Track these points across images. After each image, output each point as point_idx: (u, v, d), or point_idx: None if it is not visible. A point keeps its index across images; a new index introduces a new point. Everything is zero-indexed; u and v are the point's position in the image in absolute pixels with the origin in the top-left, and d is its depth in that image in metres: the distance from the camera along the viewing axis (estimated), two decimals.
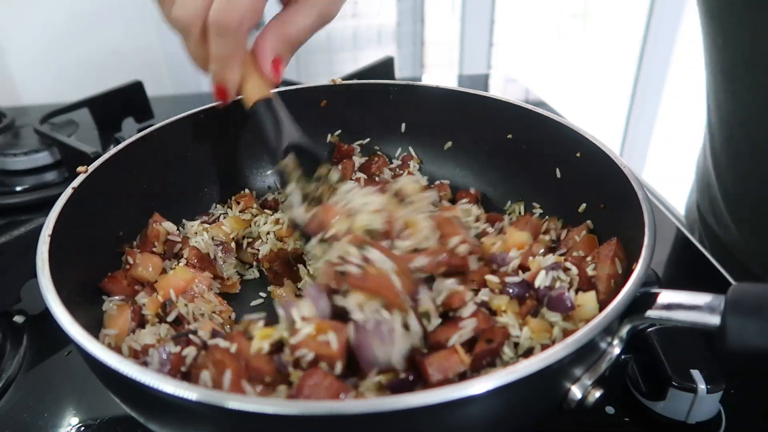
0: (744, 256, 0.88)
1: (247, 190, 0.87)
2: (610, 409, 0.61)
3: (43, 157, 1.11)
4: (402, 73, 2.18)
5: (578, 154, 0.71)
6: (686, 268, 0.88)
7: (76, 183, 0.64)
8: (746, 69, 0.74)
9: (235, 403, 0.38)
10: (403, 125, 0.91)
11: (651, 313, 0.46)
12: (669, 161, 2.53)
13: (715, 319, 0.42)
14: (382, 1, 2.29)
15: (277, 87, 0.63)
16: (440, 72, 2.44)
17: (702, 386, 0.56)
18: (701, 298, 0.44)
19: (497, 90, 1.65)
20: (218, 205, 0.85)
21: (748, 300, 0.42)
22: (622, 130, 2.55)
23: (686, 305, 0.45)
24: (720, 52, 0.78)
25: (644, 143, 2.54)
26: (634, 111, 2.47)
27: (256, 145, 0.88)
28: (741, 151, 0.80)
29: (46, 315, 0.75)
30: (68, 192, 0.63)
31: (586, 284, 0.60)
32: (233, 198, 0.85)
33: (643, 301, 0.47)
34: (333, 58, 2.36)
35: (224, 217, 0.80)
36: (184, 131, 0.80)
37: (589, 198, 0.72)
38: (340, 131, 0.92)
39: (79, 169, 0.66)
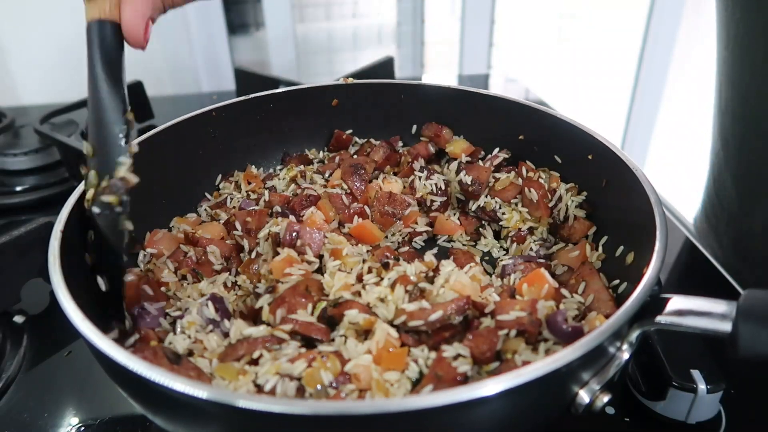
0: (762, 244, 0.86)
1: (254, 169, 0.88)
2: (610, 409, 0.61)
3: (43, 157, 1.11)
4: (402, 73, 2.18)
5: (590, 156, 0.72)
6: (689, 272, 0.88)
7: None
8: (765, 39, 0.73)
9: (244, 402, 0.38)
10: (414, 127, 0.91)
11: (661, 318, 0.45)
12: (669, 162, 2.53)
13: (726, 326, 0.42)
14: (382, 1, 2.29)
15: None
16: (440, 72, 2.44)
17: (702, 386, 0.56)
18: (712, 305, 0.44)
19: (497, 90, 1.65)
20: (225, 183, 0.86)
21: (760, 307, 0.41)
22: (622, 130, 2.55)
23: (697, 311, 0.44)
24: (738, 24, 0.77)
25: (644, 144, 2.54)
26: (634, 111, 2.47)
27: (264, 140, 0.90)
28: (759, 126, 0.79)
29: (46, 315, 0.76)
30: (80, 188, 0.62)
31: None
32: (243, 176, 0.86)
33: (652, 306, 0.46)
34: (333, 58, 2.36)
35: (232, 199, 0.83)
36: (193, 129, 0.81)
37: (599, 198, 0.72)
38: (350, 131, 0.92)
39: None
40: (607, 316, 0.56)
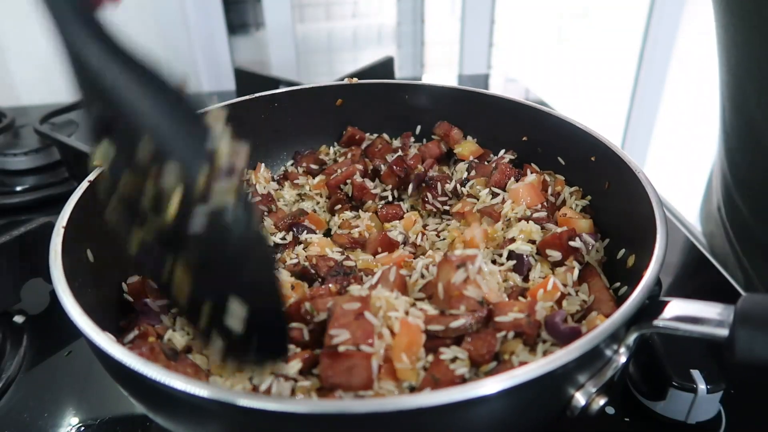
0: None
1: (263, 167, 0.88)
2: (610, 409, 0.61)
3: (43, 157, 1.11)
4: (402, 73, 2.18)
5: (593, 158, 0.71)
6: (690, 273, 0.87)
7: (92, 176, 0.64)
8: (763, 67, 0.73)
9: (244, 400, 0.38)
10: (419, 127, 0.91)
11: (658, 322, 0.45)
12: (669, 163, 2.53)
13: (723, 331, 0.42)
14: (382, 1, 2.29)
15: None
16: (440, 72, 2.44)
17: (702, 386, 0.56)
18: (710, 309, 0.44)
19: (497, 90, 1.65)
20: None
21: (758, 311, 0.41)
22: (622, 130, 2.55)
23: (695, 315, 0.44)
24: (739, 49, 0.76)
25: (644, 144, 2.53)
26: (634, 111, 2.47)
27: (269, 139, 0.90)
28: (762, 146, 0.79)
29: (46, 315, 0.76)
30: (84, 185, 0.62)
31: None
32: (253, 173, 0.86)
33: (650, 309, 0.46)
34: (333, 58, 2.36)
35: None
36: None
37: (601, 200, 0.72)
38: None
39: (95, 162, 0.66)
40: (607, 316, 0.56)
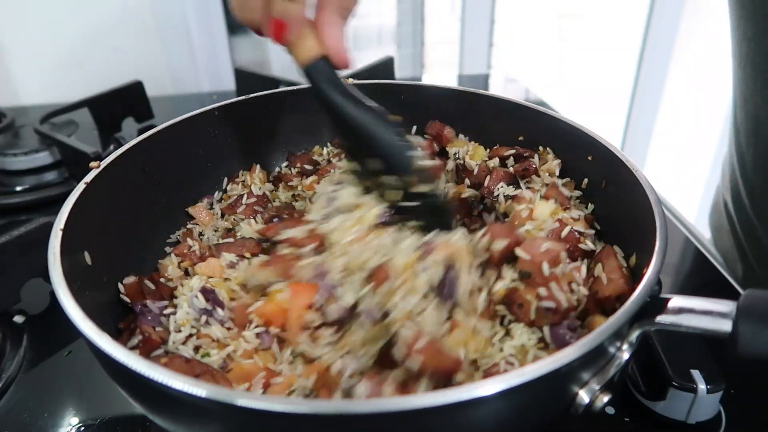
0: None
1: (258, 168, 0.88)
2: (610, 409, 0.61)
3: (43, 157, 1.11)
4: (402, 73, 2.18)
5: (590, 158, 0.71)
6: (689, 272, 0.88)
7: (88, 178, 0.64)
8: None
9: (244, 400, 0.38)
10: (414, 127, 0.91)
11: (661, 318, 0.46)
12: (669, 163, 2.53)
13: (726, 326, 0.42)
14: (382, 1, 2.29)
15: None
16: (440, 72, 2.44)
17: (702, 386, 0.56)
18: (713, 305, 0.44)
19: (497, 90, 1.65)
20: (231, 185, 0.86)
21: (760, 306, 0.42)
22: (622, 130, 2.55)
23: (697, 311, 0.44)
24: (750, 44, 0.77)
25: (644, 144, 2.53)
26: (634, 111, 2.47)
27: (266, 140, 0.90)
28: (765, 141, 0.79)
29: (46, 315, 0.77)
30: (81, 187, 0.62)
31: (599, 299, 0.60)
32: (248, 173, 0.87)
33: (653, 306, 0.46)
34: None
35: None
36: (194, 128, 0.81)
37: (599, 200, 0.72)
38: None
39: (92, 164, 0.66)
40: (617, 296, 0.57)
